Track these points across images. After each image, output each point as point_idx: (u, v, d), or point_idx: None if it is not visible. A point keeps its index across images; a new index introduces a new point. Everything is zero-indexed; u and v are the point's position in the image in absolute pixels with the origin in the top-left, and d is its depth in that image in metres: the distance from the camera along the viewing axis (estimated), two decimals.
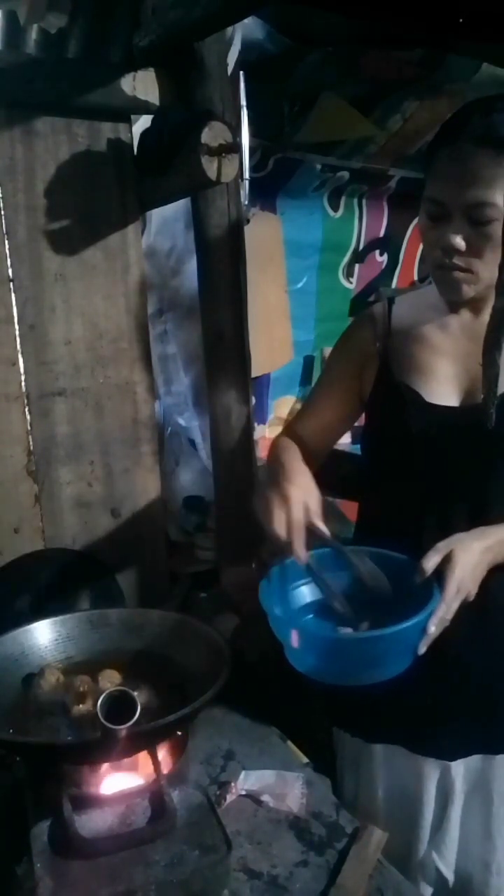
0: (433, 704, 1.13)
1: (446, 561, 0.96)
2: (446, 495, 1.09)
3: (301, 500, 1.01)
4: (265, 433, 2.16)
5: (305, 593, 1.10)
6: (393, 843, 1.20)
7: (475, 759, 1.16)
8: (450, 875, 1.20)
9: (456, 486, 1.08)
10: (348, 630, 1.02)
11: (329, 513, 2.22)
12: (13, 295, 1.45)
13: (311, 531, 1.01)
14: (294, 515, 0.99)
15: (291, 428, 1.30)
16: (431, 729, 1.15)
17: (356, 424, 1.39)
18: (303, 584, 1.10)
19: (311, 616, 1.09)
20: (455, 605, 0.96)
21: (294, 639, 0.97)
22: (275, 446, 1.23)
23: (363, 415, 1.26)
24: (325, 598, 1.05)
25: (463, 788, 1.17)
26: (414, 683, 1.09)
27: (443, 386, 1.10)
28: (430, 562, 0.96)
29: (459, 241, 0.99)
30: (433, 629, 0.94)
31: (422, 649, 0.95)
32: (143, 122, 1.57)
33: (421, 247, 2.65)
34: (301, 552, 0.99)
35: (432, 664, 1.01)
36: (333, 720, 1.29)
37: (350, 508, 2.19)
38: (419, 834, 1.19)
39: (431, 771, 1.17)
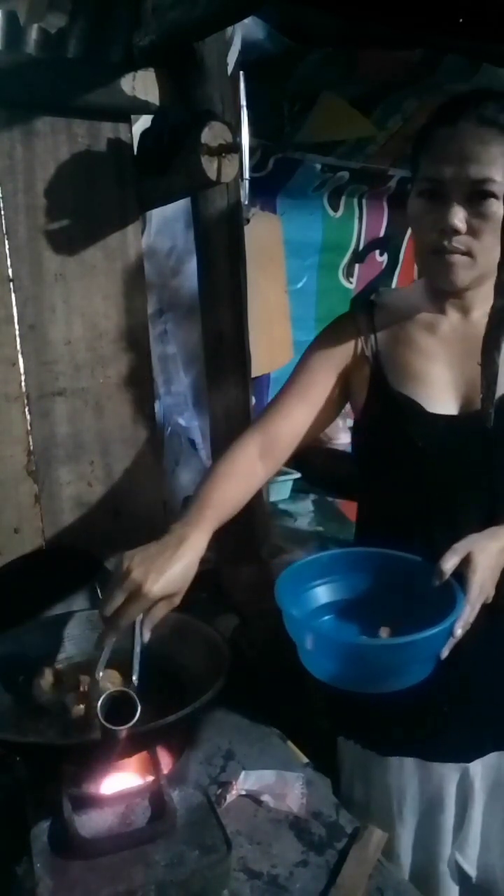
0: (447, 710, 1.12)
1: (465, 563, 0.95)
2: (452, 503, 1.08)
3: (151, 603, 0.93)
4: None
5: (321, 594, 1.08)
6: (416, 850, 1.19)
7: (493, 757, 1.16)
8: (473, 872, 1.20)
9: (462, 493, 1.07)
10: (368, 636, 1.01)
11: (330, 516, 2.21)
12: (13, 295, 1.45)
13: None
14: (129, 611, 0.93)
15: (258, 428, 1.21)
16: (447, 734, 1.14)
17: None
18: (319, 585, 1.09)
19: (327, 618, 1.07)
20: (478, 608, 0.95)
21: (310, 642, 0.96)
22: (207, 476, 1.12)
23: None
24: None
25: (483, 787, 1.17)
26: (425, 691, 1.08)
27: (442, 394, 1.09)
28: (449, 563, 0.95)
29: (459, 221, 0.99)
30: (460, 633, 0.93)
31: (444, 654, 0.94)
32: (143, 122, 1.57)
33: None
34: (105, 639, 0.96)
35: (443, 668, 1.00)
36: (341, 731, 1.27)
37: (350, 508, 2.19)
38: (442, 837, 1.18)
39: (450, 774, 1.16)
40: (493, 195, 0.97)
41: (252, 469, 1.15)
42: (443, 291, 1.10)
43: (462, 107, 0.99)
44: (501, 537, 0.99)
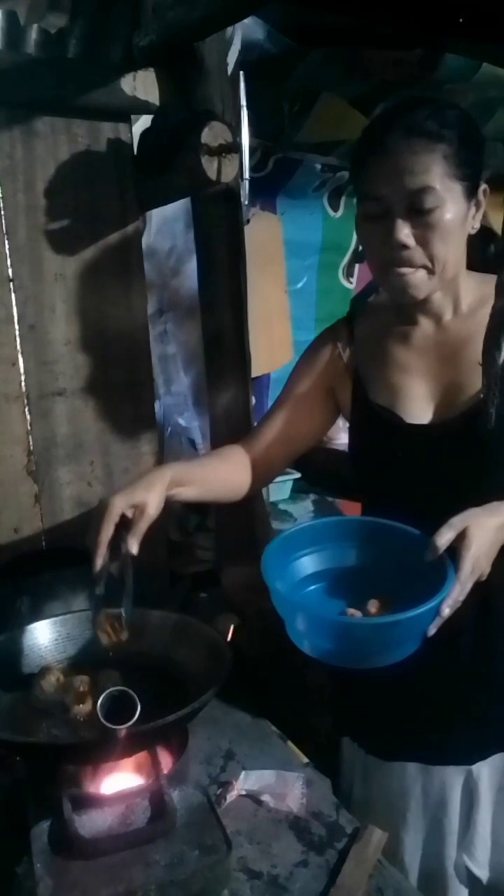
0: (449, 713, 1.12)
1: (460, 538, 0.92)
2: (438, 509, 1.07)
3: (117, 511, 1.02)
4: None
5: (311, 563, 1.07)
6: (422, 854, 1.19)
7: (497, 758, 1.15)
8: (482, 874, 1.19)
9: (446, 500, 1.05)
10: (356, 612, 0.99)
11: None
12: (13, 295, 1.45)
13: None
14: (102, 525, 1.01)
15: (250, 434, 1.29)
16: (448, 738, 1.13)
17: None
18: (305, 555, 1.07)
19: (313, 588, 1.06)
20: (469, 586, 0.92)
21: (294, 618, 0.95)
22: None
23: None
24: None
25: (489, 788, 1.16)
26: (427, 695, 1.08)
27: (417, 405, 1.10)
28: (444, 538, 0.92)
29: (405, 235, 0.99)
30: (447, 611, 0.91)
31: (431, 631, 0.92)
32: (143, 122, 1.57)
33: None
34: (95, 563, 1.01)
35: (443, 672, 1.00)
36: (346, 733, 1.27)
37: (350, 508, 2.19)
38: (447, 840, 1.17)
39: (455, 777, 1.15)
40: (435, 203, 0.97)
41: (238, 458, 1.24)
42: (408, 304, 1.10)
43: (389, 120, 1.00)
44: (501, 513, 0.96)
